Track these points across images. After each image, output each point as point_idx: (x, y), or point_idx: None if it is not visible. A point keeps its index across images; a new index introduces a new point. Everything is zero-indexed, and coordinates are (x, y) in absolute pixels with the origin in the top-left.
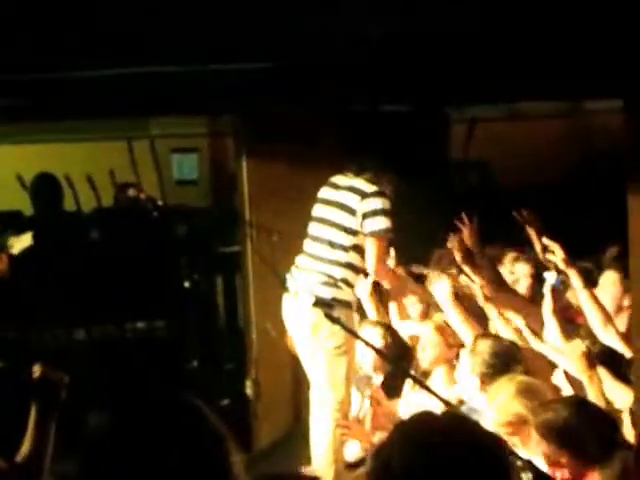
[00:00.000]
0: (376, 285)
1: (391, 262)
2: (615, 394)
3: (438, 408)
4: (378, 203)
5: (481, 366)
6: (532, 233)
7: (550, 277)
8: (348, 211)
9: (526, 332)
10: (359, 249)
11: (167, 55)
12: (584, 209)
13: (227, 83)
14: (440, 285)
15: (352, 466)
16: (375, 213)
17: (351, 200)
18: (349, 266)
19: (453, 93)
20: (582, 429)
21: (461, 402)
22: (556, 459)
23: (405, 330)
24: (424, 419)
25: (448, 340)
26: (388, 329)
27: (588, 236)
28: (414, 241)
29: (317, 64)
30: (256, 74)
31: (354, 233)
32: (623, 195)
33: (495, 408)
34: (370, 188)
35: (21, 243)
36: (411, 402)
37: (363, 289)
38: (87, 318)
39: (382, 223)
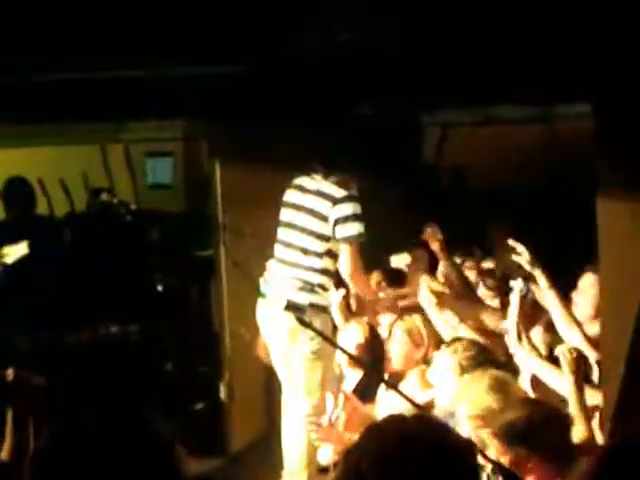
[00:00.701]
0: (345, 297)
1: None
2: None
3: (411, 411)
4: (349, 208)
5: (459, 366)
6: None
7: (517, 285)
8: (319, 217)
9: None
10: (332, 254)
11: (140, 59)
12: (556, 213)
13: (200, 87)
14: (421, 287)
15: (325, 470)
16: (347, 219)
17: (322, 206)
18: (324, 271)
19: (426, 97)
20: (543, 428)
21: (433, 406)
22: (522, 463)
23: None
24: (394, 422)
25: (415, 340)
26: (369, 328)
27: (560, 240)
28: (386, 245)
29: (290, 67)
30: (230, 78)
31: (327, 239)
32: (594, 200)
33: (467, 401)
34: (340, 193)
35: (16, 252)
36: (385, 404)
37: (333, 300)
38: (60, 322)
39: (354, 228)
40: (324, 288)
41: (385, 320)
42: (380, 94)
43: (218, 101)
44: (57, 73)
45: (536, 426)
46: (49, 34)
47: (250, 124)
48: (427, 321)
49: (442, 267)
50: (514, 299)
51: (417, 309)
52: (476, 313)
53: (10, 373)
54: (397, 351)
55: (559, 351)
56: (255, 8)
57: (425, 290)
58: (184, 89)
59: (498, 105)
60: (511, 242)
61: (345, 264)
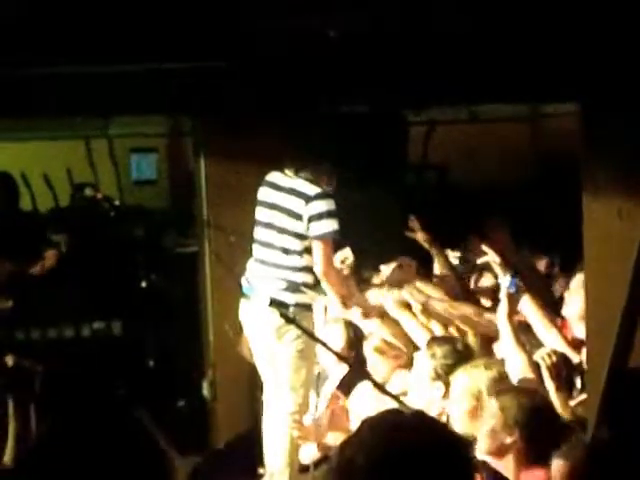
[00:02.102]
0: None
1: (346, 270)
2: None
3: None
4: (323, 205)
5: (437, 369)
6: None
7: (505, 282)
8: (295, 216)
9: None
10: (311, 251)
11: (126, 54)
12: (542, 212)
13: (185, 82)
14: (386, 298)
15: (307, 469)
16: (320, 216)
17: (296, 204)
18: (307, 269)
19: (411, 95)
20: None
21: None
22: (504, 443)
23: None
24: (391, 417)
25: (389, 355)
26: (351, 326)
27: (546, 237)
28: (369, 244)
29: (275, 64)
30: (214, 73)
31: (305, 237)
32: (580, 198)
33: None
34: (313, 190)
35: None
36: (360, 397)
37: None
38: (43, 318)
39: (328, 226)
40: (308, 286)
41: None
42: (365, 92)
43: (203, 97)
44: (41, 68)
45: (523, 414)
46: (33, 29)
47: (234, 120)
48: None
49: (436, 264)
50: (502, 297)
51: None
52: (468, 312)
53: (9, 359)
54: (376, 367)
55: (538, 356)
56: (237, 3)
57: (391, 303)
58: (169, 85)
59: (484, 103)
60: (483, 247)
61: (319, 262)
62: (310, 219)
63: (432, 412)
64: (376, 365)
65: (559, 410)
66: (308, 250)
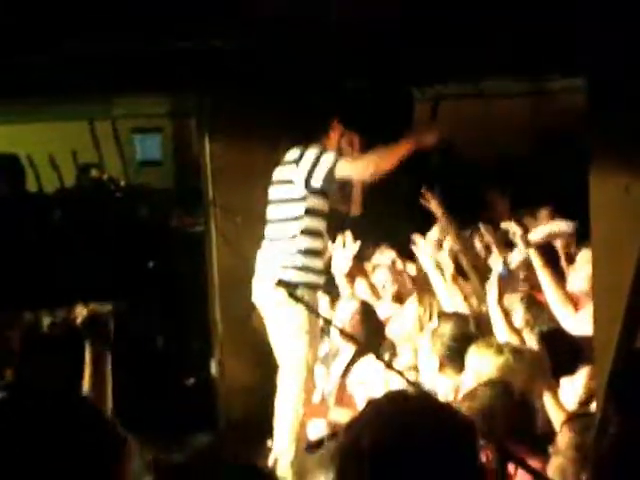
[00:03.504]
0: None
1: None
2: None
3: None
4: (312, 152)
5: (441, 348)
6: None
7: (497, 265)
8: (288, 182)
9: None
10: (312, 212)
11: (130, 34)
12: (548, 186)
13: (190, 62)
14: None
15: (316, 445)
16: (317, 158)
17: (287, 172)
18: (307, 252)
19: (417, 71)
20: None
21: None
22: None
23: (384, 310)
24: (397, 398)
25: (423, 324)
26: (362, 305)
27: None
28: (377, 220)
29: (280, 42)
30: (219, 53)
31: (302, 199)
32: (585, 173)
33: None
34: (299, 152)
35: None
36: (367, 375)
37: (340, 267)
38: (49, 299)
39: (329, 158)
40: (309, 269)
41: (385, 292)
42: (370, 68)
43: (207, 76)
44: (45, 49)
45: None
46: (35, 11)
47: (239, 99)
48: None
49: (444, 237)
50: (493, 279)
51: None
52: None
53: (81, 309)
54: (400, 328)
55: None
56: None
57: (428, 260)
58: (173, 64)
59: (489, 78)
60: (504, 224)
61: (353, 171)
62: (310, 171)
63: (440, 389)
64: (403, 329)
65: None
66: (309, 211)
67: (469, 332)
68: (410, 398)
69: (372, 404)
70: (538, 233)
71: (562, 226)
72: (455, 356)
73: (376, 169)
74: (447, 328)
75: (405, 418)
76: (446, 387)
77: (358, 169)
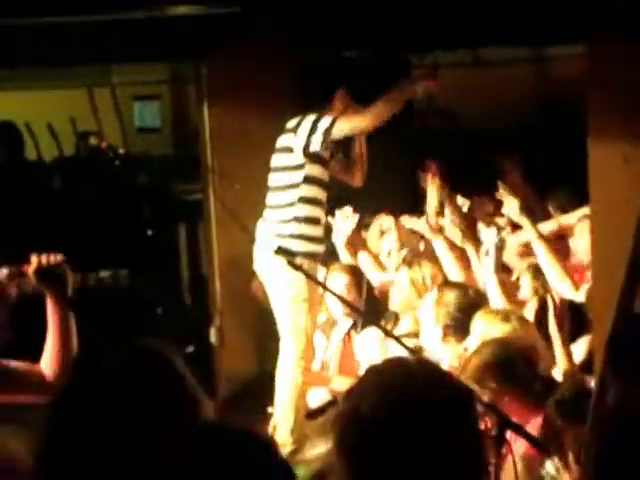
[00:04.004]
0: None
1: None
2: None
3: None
4: (309, 119)
5: (445, 318)
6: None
7: (491, 235)
8: (287, 150)
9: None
10: (310, 179)
11: (128, 1)
12: (546, 155)
13: (187, 29)
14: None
15: (316, 412)
16: (315, 122)
17: (286, 140)
18: (306, 220)
19: (415, 39)
20: (520, 365)
21: (421, 350)
22: (498, 400)
23: (377, 278)
24: (397, 365)
25: (419, 290)
26: (358, 274)
27: (550, 183)
28: (378, 191)
29: (279, 10)
30: (215, 19)
31: (299, 166)
32: (584, 141)
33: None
34: (299, 119)
35: None
36: (366, 342)
37: (340, 235)
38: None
39: (327, 120)
40: (306, 237)
41: (389, 262)
42: (369, 36)
43: (205, 43)
44: (43, 16)
45: (504, 362)
46: None
47: (237, 66)
48: (435, 269)
49: (446, 211)
50: (490, 250)
51: (428, 256)
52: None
53: (34, 259)
54: (398, 296)
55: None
56: None
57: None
58: (171, 31)
59: (487, 47)
60: (499, 194)
61: (352, 125)
62: (308, 135)
63: (441, 357)
64: (400, 297)
65: (558, 349)
66: (307, 179)
67: (473, 301)
68: (410, 365)
69: (372, 371)
70: (547, 226)
71: (571, 219)
72: (459, 325)
73: (375, 119)
74: (451, 297)
75: (404, 385)
76: (449, 356)
77: (356, 122)
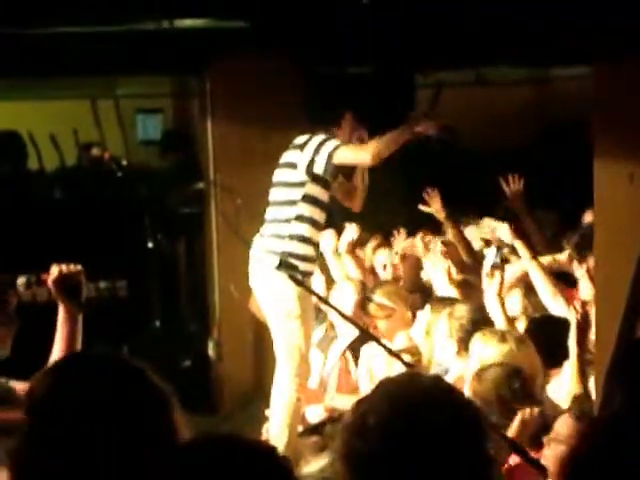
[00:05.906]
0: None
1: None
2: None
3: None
4: (316, 140)
5: (459, 331)
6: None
7: (491, 254)
8: (291, 166)
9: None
10: (309, 198)
11: (132, 14)
12: (549, 175)
13: (193, 43)
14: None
15: (312, 429)
16: (320, 145)
17: (291, 156)
18: (299, 238)
19: (420, 58)
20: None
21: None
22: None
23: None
24: (408, 379)
25: (386, 313)
26: (361, 287)
27: (552, 201)
28: (379, 208)
29: (287, 25)
30: (222, 34)
31: (300, 184)
32: (589, 161)
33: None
34: (307, 137)
35: None
36: (369, 358)
37: (327, 245)
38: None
39: (331, 144)
40: (302, 257)
41: (379, 259)
42: (374, 55)
43: (209, 57)
44: (48, 27)
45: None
46: None
47: (240, 81)
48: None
49: (448, 235)
50: (488, 271)
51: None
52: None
53: (54, 268)
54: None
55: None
56: None
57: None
58: (174, 45)
59: (491, 66)
60: (486, 220)
61: (353, 156)
62: (312, 157)
63: (455, 371)
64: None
65: (572, 382)
66: (305, 197)
67: (482, 316)
68: (422, 380)
69: (382, 384)
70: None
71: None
72: (470, 339)
73: (376, 155)
74: (463, 310)
75: (413, 399)
76: (460, 369)
77: (358, 154)
